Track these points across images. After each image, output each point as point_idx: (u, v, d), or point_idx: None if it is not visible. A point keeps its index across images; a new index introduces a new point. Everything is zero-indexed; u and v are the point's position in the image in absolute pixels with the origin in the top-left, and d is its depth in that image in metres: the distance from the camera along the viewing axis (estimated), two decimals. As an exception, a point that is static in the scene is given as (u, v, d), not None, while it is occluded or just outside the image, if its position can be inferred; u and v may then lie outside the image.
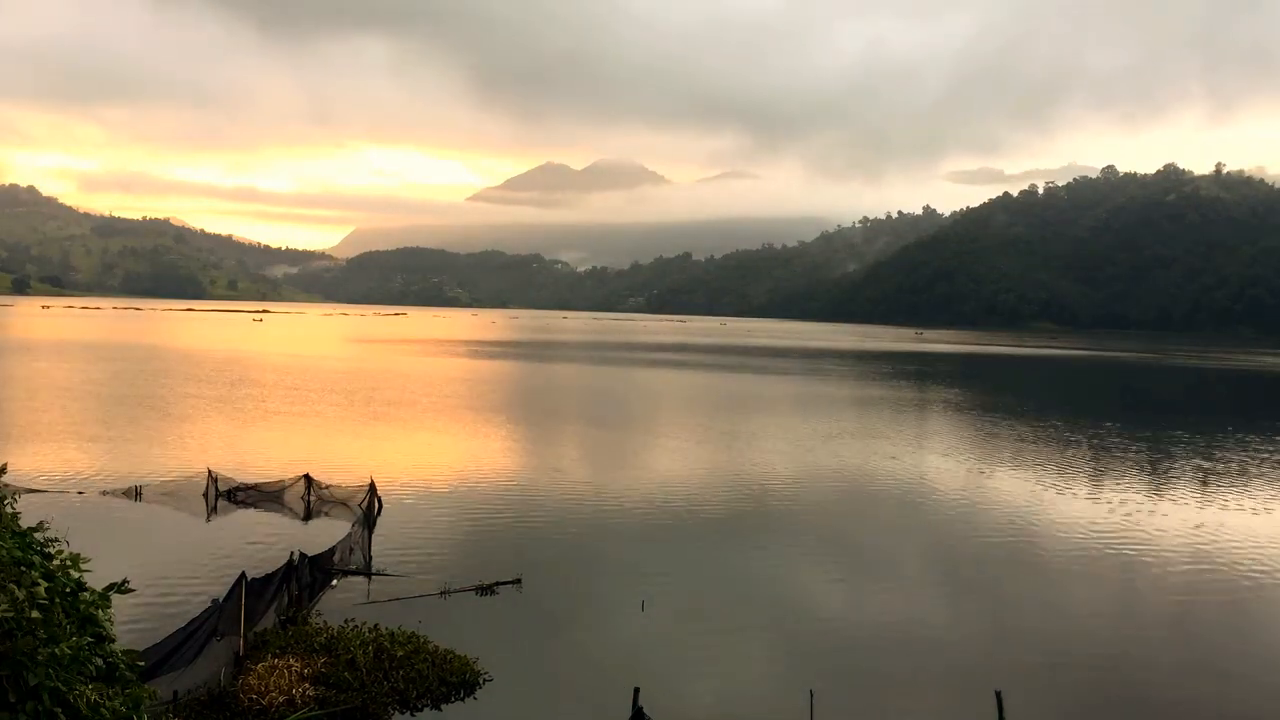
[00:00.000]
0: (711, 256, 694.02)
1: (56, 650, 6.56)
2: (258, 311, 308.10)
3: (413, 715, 16.32)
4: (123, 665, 7.41)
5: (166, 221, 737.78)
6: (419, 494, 34.06)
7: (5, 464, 9.36)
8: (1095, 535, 31.38)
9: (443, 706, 16.67)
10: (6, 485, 8.85)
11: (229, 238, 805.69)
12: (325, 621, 19.24)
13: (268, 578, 19.18)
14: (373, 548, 25.93)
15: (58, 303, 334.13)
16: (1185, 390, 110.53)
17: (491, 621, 21.12)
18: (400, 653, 17.48)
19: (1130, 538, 31.15)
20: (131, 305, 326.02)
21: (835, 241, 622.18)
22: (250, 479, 33.23)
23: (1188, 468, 46.53)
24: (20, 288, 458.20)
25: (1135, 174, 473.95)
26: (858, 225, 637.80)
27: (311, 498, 31.63)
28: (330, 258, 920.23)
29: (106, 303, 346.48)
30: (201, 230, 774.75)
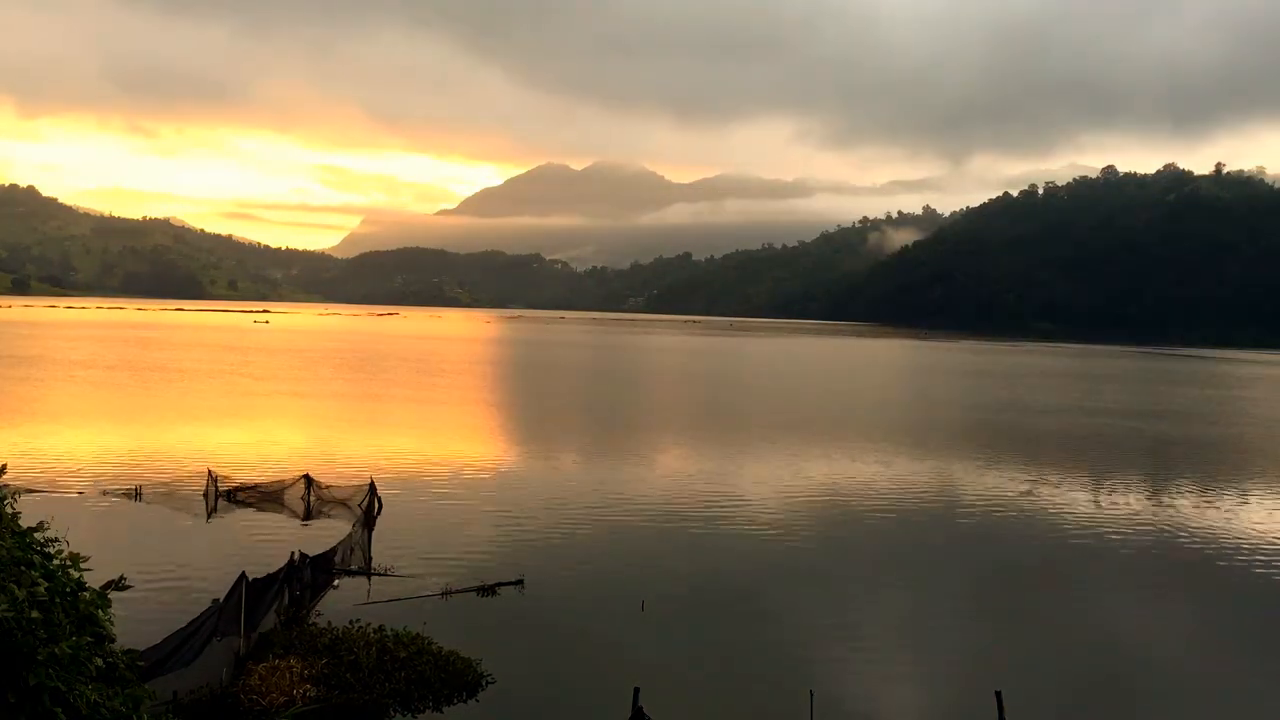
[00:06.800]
0: (711, 256, 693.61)
1: (56, 650, 6.54)
2: (258, 311, 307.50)
3: (414, 716, 16.30)
4: (122, 665, 7.39)
5: (166, 221, 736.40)
6: (419, 494, 34.04)
7: (5, 464, 9.35)
8: (1096, 534, 31.35)
9: (444, 708, 16.66)
10: (6, 485, 8.83)
11: (229, 238, 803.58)
12: (329, 622, 19.21)
13: (269, 578, 19.14)
14: (373, 548, 25.93)
15: (39, 302, 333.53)
16: None
17: (494, 622, 21.11)
18: (403, 654, 17.45)
19: (1131, 537, 31.12)
20: (116, 305, 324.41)
21: (835, 241, 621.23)
22: (250, 479, 33.23)
23: (1191, 468, 46.53)
24: (20, 288, 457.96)
25: (1135, 174, 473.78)
26: (857, 225, 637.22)
27: (311, 498, 31.61)
28: (330, 258, 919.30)
29: (92, 302, 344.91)
30: (201, 230, 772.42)
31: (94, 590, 7.49)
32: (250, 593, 17.80)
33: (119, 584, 7.80)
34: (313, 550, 22.09)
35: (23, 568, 7.07)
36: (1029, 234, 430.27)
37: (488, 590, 22.86)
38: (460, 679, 17.32)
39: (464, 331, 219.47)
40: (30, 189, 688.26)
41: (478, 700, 17.03)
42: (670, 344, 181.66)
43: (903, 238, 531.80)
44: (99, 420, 50.84)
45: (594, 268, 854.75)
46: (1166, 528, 32.67)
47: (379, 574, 23.91)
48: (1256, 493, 40.37)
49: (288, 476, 32.87)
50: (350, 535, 25.35)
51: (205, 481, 32.25)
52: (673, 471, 41.41)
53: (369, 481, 31.15)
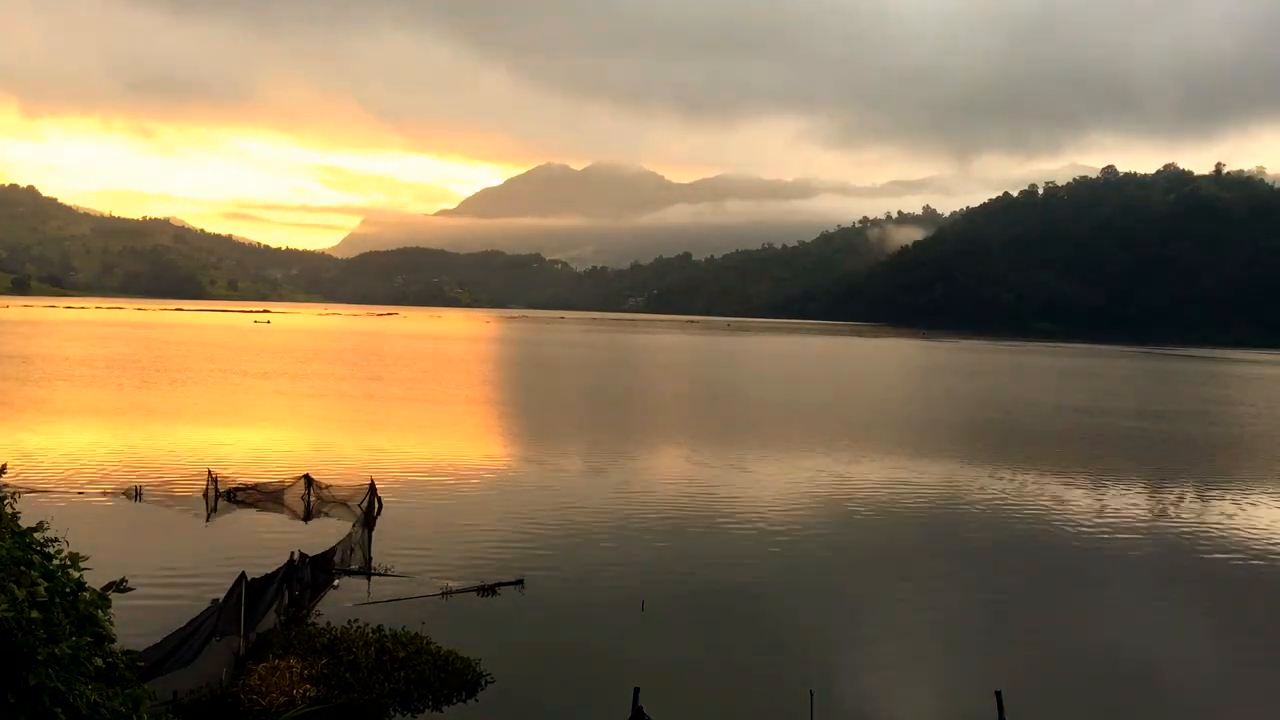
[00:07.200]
0: (711, 257, 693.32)
1: (56, 650, 6.55)
2: (258, 311, 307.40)
3: (414, 716, 16.31)
4: (122, 665, 7.40)
5: (166, 221, 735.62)
6: (419, 494, 34.05)
7: (5, 464, 9.36)
8: (1097, 534, 31.36)
9: (444, 708, 16.66)
10: (6, 485, 8.83)
11: (229, 238, 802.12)
12: (328, 622, 19.21)
13: (268, 578, 19.14)
14: (373, 548, 25.93)
15: (39, 302, 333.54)
16: None
17: (493, 622, 21.11)
18: (402, 654, 17.44)
19: (1133, 537, 31.12)
20: (115, 305, 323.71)
21: (835, 241, 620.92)
22: (250, 479, 33.23)
23: (1192, 468, 46.50)
24: (20, 288, 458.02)
25: (1135, 174, 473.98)
26: (857, 225, 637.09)
27: (311, 498, 31.62)
28: (330, 258, 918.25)
29: (92, 302, 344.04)
30: (201, 231, 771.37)
31: (94, 590, 7.49)
32: (250, 592, 17.80)
33: (120, 585, 7.80)
34: (313, 550, 22.10)
35: (22, 568, 7.07)
36: (1029, 234, 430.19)
37: (488, 590, 22.86)
38: (460, 679, 17.32)
39: (464, 331, 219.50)
40: (30, 189, 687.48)
41: (477, 700, 17.03)
42: (670, 343, 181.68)
43: (903, 237, 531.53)
44: (99, 420, 50.82)
45: (594, 268, 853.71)
46: (1168, 528, 32.68)
47: (379, 574, 23.91)
48: (1258, 492, 40.36)
49: (288, 476, 32.87)
50: (350, 535, 25.35)
51: (205, 481, 32.25)
52: (673, 471, 41.41)
53: (369, 481, 31.15)
